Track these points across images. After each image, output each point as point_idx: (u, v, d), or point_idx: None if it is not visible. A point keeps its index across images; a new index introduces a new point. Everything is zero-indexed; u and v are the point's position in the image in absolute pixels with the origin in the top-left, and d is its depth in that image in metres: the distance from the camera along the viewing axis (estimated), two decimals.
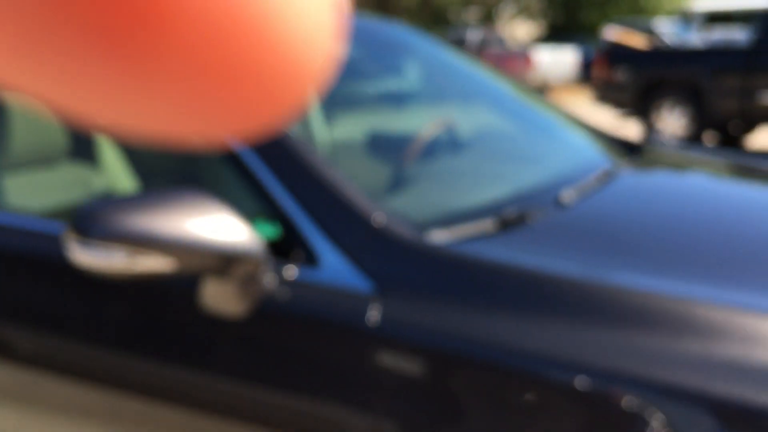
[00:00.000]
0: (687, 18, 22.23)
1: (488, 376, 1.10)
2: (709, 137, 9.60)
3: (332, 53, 0.22)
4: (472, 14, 32.17)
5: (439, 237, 1.27)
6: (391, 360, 1.15)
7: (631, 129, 10.06)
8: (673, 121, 8.72)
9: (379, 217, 1.25)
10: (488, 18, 30.92)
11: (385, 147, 2.26)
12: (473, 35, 21.66)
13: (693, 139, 8.57)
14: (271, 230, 1.29)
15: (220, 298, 1.21)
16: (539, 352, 1.09)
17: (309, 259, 1.26)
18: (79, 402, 1.37)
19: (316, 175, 1.29)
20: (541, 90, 19.67)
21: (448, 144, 2.22)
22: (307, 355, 1.21)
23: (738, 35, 15.36)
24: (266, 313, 1.24)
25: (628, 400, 1.02)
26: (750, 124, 8.46)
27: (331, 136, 2.30)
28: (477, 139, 2.31)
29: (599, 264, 1.26)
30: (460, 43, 21.61)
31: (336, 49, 0.22)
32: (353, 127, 2.38)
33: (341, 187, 1.28)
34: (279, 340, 1.24)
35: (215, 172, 1.47)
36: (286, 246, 1.29)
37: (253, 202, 1.33)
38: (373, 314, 1.17)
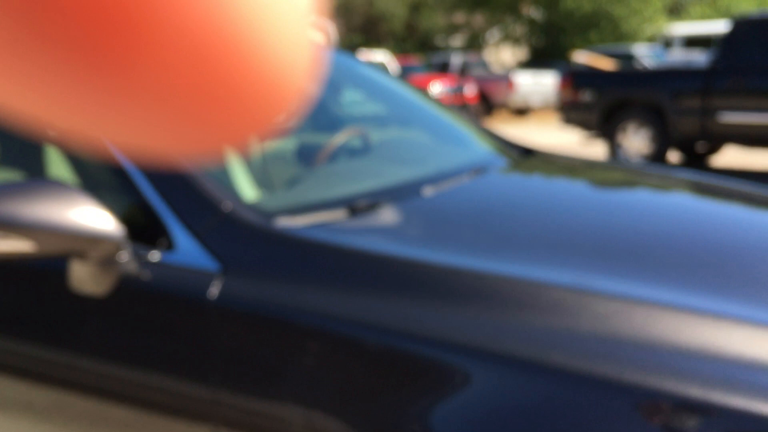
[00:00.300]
0: (667, 43, 22.68)
1: (313, 341, 1.24)
2: (674, 157, 9.81)
3: (308, 83, 0.24)
4: (459, 40, 32.61)
5: (285, 223, 1.41)
6: (226, 329, 1.28)
7: (597, 150, 10.27)
8: (638, 142, 8.91)
9: (227, 204, 1.39)
10: (475, 43, 31.36)
11: (305, 154, 2.42)
12: (456, 59, 22.05)
13: (658, 158, 8.76)
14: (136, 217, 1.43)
15: (82, 279, 1.34)
16: (363, 320, 1.22)
17: (168, 244, 1.39)
18: None
19: (175, 171, 1.43)
20: (523, 111, 19.98)
21: (357, 150, 2.38)
22: (161, 328, 1.34)
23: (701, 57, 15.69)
24: (128, 292, 1.37)
25: (457, 367, 1.15)
26: (714, 144, 8.68)
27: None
28: (382, 146, 2.47)
29: (430, 245, 1.40)
30: (444, 67, 21.99)
31: (312, 80, 0.24)
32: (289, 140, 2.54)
33: (196, 179, 1.42)
34: (138, 317, 1.37)
35: (88, 166, 1.60)
36: (151, 233, 1.43)
37: (122, 194, 1.47)
38: (214, 290, 1.30)
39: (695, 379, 1.03)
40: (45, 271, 1.44)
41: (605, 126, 9.07)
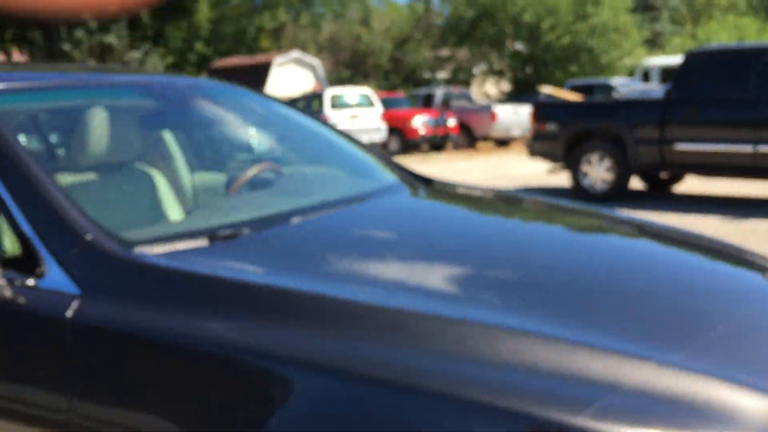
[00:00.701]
0: (645, 74, 23.12)
1: (156, 352, 1.40)
2: (637, 184, 10.03)
3: None
4: (444, 73, 33.09)
5: (141, 251, 1.59)
6: (79, 345, 1.45)
7: (561, 179, 10.48)
8: (601, 171, 9.13)
9: (88, 235, 1.56)
10: (460, 76, 31.83)
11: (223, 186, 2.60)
12: (439, 92, 22.46)
13: (620, 187, 8.97)
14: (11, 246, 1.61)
15: None
16: (199, 336, 1.39)
17: (41, 271, 1.56)
18: None
19: (48, 202, 1.61)
20: (504, 142, 20.29)
21: (268, 182, 2.56)
22: (26, 344, 1.51)
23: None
24: (2, 312, 1.54)
25: (288, 378, 1.30)
26: (674, 172, 8.90)
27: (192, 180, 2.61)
28: (289, 179, 2.66)
29: (273, 269, 1.58)
30: (428, 99, 22.40)
31: None
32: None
33: (65, 210, 1.60)
34: (10, 335, 1.54)
35: None
36: (31, 262, 1.60)
37: (5, 225, 1.64)
38: (69, 311, 1.47)
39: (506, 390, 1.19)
40: None
41: (569, 156, 9.29)
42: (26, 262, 1.58)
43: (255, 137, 3.05)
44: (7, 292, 1.53)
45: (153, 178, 2.19)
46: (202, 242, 1.70)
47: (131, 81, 2.72)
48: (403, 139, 19.21)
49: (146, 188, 2.14)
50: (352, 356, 1.29)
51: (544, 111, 9.76)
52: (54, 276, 1.54)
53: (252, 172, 2.61)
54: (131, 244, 1.61)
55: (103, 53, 30.24)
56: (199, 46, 46.13)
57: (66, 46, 27.82)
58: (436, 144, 19.41)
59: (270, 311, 1.40)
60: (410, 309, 1.39)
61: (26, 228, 1.60)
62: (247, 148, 3.02)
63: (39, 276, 1.56)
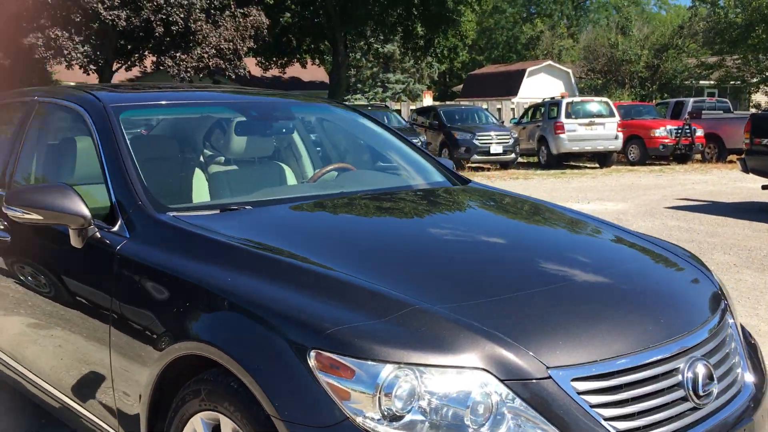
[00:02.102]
0: None
1: (156, 275, 2.24)
2: None
3: None
4: (708, 80, 30.96)
5: (171, 214, 2.44)
6: (122, 271, 2.34)
7: None
8: None
9: (141, 200, 2.45)
10: (728, 85, 29.59)
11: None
12: (691, 102, 21.33)
13: None
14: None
15: (72, 238, 2.48)
16: (196, 275, 2.18)
17: (114, 223, 2.49)
18: None
19: (125, 181, 2.53)
20: None
21: (339, 176, 3.36)
22: (98, 263, 2.44)
23: None
24: (90, 246, 2.48)
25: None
26: None
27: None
28: (352, 175, 3.41)
29: (237, 231, 2.33)
30: (678, 107, 21.42)
31: None
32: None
33: (134, 186, 2.50)
34: (92, 259, 2.48)
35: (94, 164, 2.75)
36: (111, 216, 2.53)
37: (102, 193, 2.60)
38: (119, 247, 2.37)
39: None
40: (64, 233, 2.61)
41: None
42: (109, 217, 2.52)
43: (343, 144, 3.91)
44: (97, 234, 2.48)
45: (197, 172, 3.06)
46: (214, 211, 2.53)
47: (260, 101, 3.68)
48: (643, 148, 18.69)
49: (188, 178, 3.00)
50: (243, 286, 2.00)
51: (761, 124, 9.25)
52: (119, 226, 2.46)
53: (328, 168, 3.41)
54: (165, 209, 2.47)
55: (386, 61, 33.35)
56: (463, 53, 48.19)
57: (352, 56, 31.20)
58: (681, 155, 18.57)
59: (216, 257, 2.16)
60: (299, 263, 2.07)
61: (112, 195, 2.54)
62: (338, 153, 3.85)
63: (113, 225, 2.48)
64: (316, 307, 1.86)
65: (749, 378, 2.18)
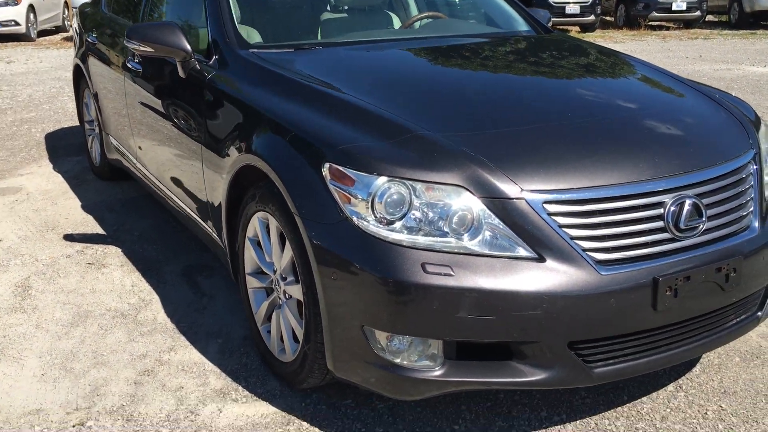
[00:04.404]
0: None
1: (237, 105, 2.69)
2: None
3: None
4: None
5: (252, 50, 2.84)
6: (212, 94, 2.81)
7: None
8: None
9: (229, 38, 2.86)
10: None
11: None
12: None
13: None
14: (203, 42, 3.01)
15: (179, 69, 2.98)
16: (246, 97, 2.62)
17: (210, 56, 2.94)
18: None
19: (221, 22, 2.95)
20: None
21: (431, 23, 3.61)
22: (195, 88, 2.93)
23: None
24: (191, 75, 2.97)
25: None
26: None
27: None
28: (440, 23, 3.63)
29: (297, 67, 2.69)
30: None
31: None
32: None
33: (225, 26, 2.92)
34: (193, 85, 2.97)
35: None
36: (209, 51, 2.98)
37: (201, 30, 3.05)
38: (210, 76, 2.83)
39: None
40: (173, 64, 3.11)
41: None
42: (207, 52, 2.98)
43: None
44: (197, 65, 2.95)
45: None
46: (289, 50, 2.90)
47: None
48: None
49: (285, 19, 3.35)
50: (285, 111, 2.40)
51: None
52: (213, 60, 2.91)
53: (420, 16, 3.66)
54: (247, 46, 2.88)
55: None
56: None
57: None
58: None
59: (272, 86, 2.55)
60: (335, 94, 2.42)
61: (210, 34, 2.98)
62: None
63: (209, 60, 2.94)
64: (335, 129, 2.22)
65: (756, 223, 2.28)
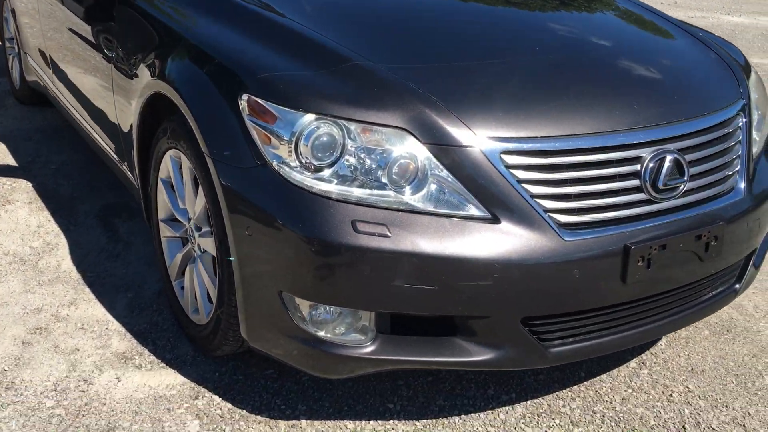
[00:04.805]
0: None
1: (149, 24, 2.27)
2: None
3: None
4: None
5: None
6: (122, 8, 2.39)
7: None
8: None
9: None
10: None
11: None
12: None
13: None
14: None
15: None
16: (174, 17, 2.22)
17: None
18: None
19: None
20: None
21: None
22: (106, 17, 2.50)
23: None
24: None
25: None
26: None
27: None
28: None
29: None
30: None
31: None
32: None
33: None
34: (105, 10, 2.54)
35: None
36: None
37: None
38: None
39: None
40: None
41: None
42: None
43: None
44: None
45: None
46: None
47: None
48: None
49: None
50: (205, 33, 2.00)
51: None
52: None
53: None
54: None
55: None
56: None
57: None
58: None
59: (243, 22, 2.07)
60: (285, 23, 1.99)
61: None
62: None
63: None
64: (260, 55, 1.84)
65: (742, 185, 2.00)
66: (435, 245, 1.61)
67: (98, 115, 2.75)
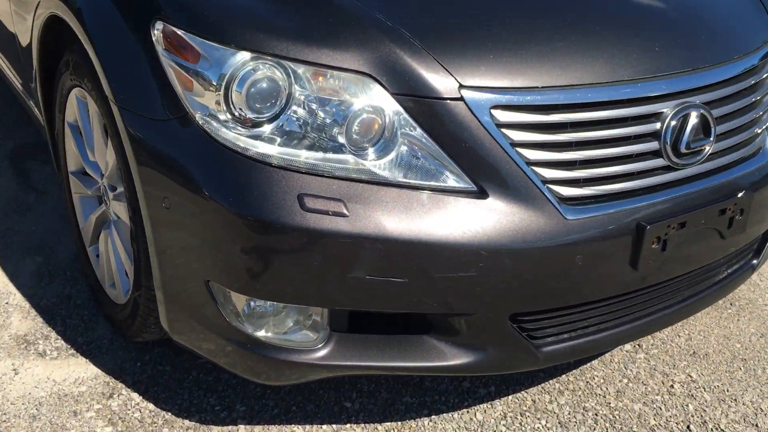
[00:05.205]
0: None
1: None
2: None
3: None
4: None
5: None
6: None
7: None
8: None
9: None
10: None
11: None
12: None
13: None
14: None
15: None
16: None
17: None
18: None
19: None
20: None
21: None
22: None
23: None
24: None
25: None
26: None
27: None
28: None
29: None
30: None
31: None
32: None
33: None
34: None
35: None
36: None
37: None
38: None
39: None
40: None
41: None
42: None
43: None
44: None
45: None
46: None
47: None
48: None
49: None
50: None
51: None
52: None
53: None
54: None
55: None
56: None
57: None
58: None
59: None
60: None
61: None
62: None
63: None
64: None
65: None
66: (405, 226, 1.25)
67: (2, 39, 2.29)
